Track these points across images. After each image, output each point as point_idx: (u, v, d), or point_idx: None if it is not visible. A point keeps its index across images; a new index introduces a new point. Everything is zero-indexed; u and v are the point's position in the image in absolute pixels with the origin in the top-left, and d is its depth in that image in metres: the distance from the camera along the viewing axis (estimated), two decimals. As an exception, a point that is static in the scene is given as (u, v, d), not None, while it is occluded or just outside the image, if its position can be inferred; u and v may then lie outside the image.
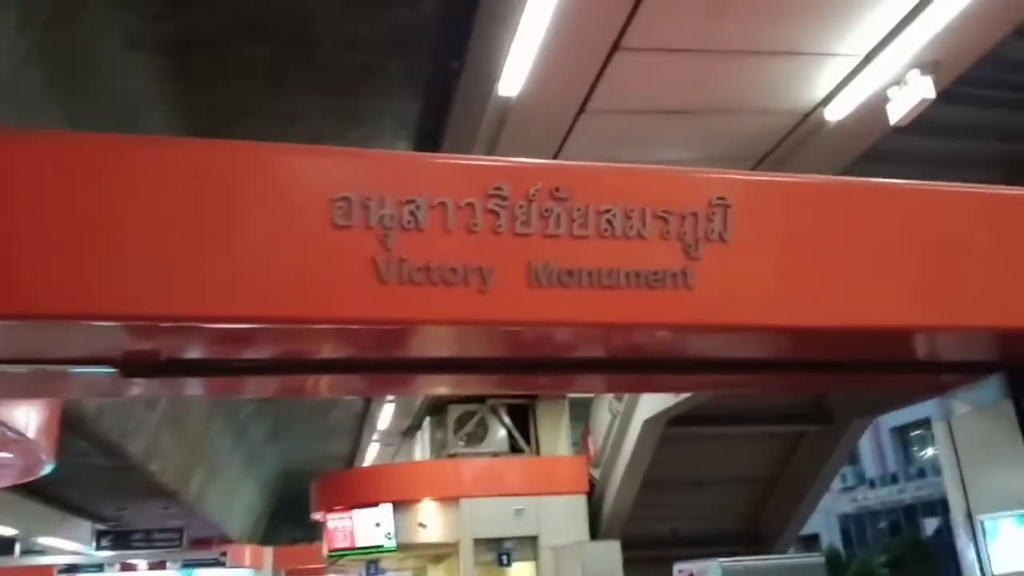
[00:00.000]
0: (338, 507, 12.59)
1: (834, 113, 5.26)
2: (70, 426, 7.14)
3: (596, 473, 12.33)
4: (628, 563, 10.75)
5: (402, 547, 12.00)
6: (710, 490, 12.46)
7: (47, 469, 5.25)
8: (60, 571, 19.03)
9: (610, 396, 11.57)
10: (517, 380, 3.70)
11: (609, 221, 2.89)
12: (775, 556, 6.64)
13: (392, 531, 11.84)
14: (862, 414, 11.61)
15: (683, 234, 2.96)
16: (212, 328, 2.72)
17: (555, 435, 13.43)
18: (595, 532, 11.96)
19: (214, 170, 2.65)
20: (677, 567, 7.12)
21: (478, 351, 3.24)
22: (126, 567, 20.50)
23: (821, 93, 5.23)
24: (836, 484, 25.48)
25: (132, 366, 2.99)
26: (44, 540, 14.16)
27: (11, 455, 4.65)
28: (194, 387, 3.47)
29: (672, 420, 10.44)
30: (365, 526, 12.11)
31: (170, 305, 2.58)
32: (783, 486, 12.79)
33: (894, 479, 30.13)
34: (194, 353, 3.06)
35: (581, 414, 13.67)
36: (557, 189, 2.87)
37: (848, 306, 3.12)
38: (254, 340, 2.91)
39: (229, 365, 3.15)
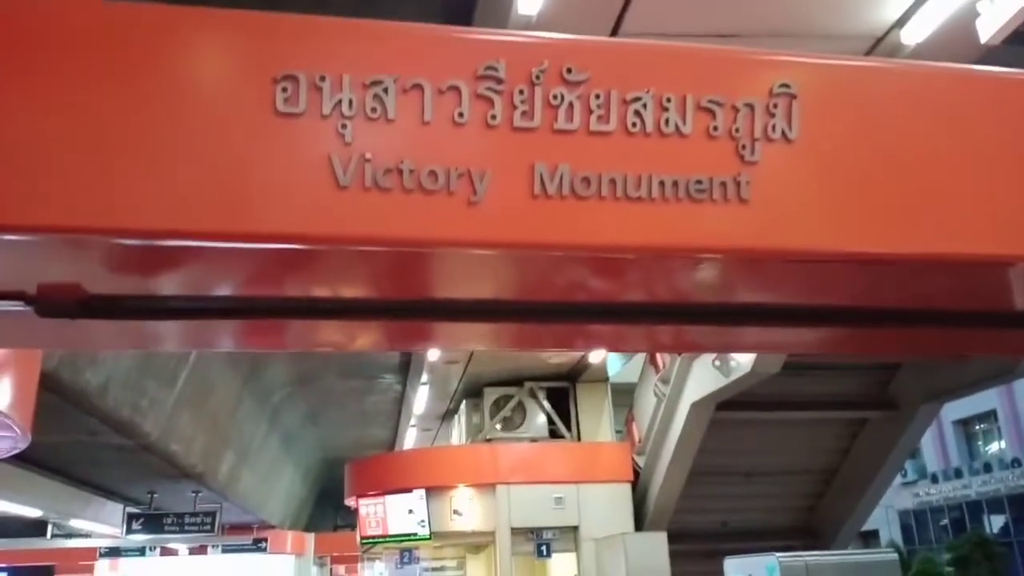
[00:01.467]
0: (371, 493, 12.14)
1: (912, 35, 4.50)
2: (73, 401, 6.75)
3: (641, 461, 11.63)
4: (675, 556, 10.07)
5: (436, 535, 11.48)
6: (763, 481, 11.67)
7: (21, 444, 4.78)
8: (102, 554, 19.13)
9: (655, 378, 10.87)
10: (513, 329, 3.03)
11: (638, 112, 2.23)
12: (839, 552, 5.86)
13: (426, 518, 11.33)
14: (929, 399, 10.69)
15: (735, 131, 2.28)
16: (128, 248, 2.13)
17: (597, 420, 12.77)
18: (640, 523, 11.27)
19: (125, 42, 2.05)
20: (728, 562, 6.40)
21: (465, 286, 2.59)
22: (166, 551, 20.52)
23: (895, 14, 4.49)
24: (896, 478, 24.37)
25: (48, 303, 2.42)
26: (75, 523, 14.06)
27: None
28: (127, 333, 2.89)
29: (722, 404, 9.71)
30: (397, 513, 11.63)
31: (72, 214, 2.00)
32: (842, 478, 11.92)
33: (957, 474, 28.78)
34: (121, 286, 2.48)
35: (624, 400, 12.99)
36: (569, 70, 2.21)
37: (949, 229, 2.41)
38: (184, 265, 2.32)
39: (164, 305, 2.57)
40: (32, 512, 12.41)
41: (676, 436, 10.28)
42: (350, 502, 12.91)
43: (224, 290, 2.68)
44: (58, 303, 2.48)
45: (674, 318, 3.00)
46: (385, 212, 2.10)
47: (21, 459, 10.26)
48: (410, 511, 11.48)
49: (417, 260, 2.34)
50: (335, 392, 15.20)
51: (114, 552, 18.89)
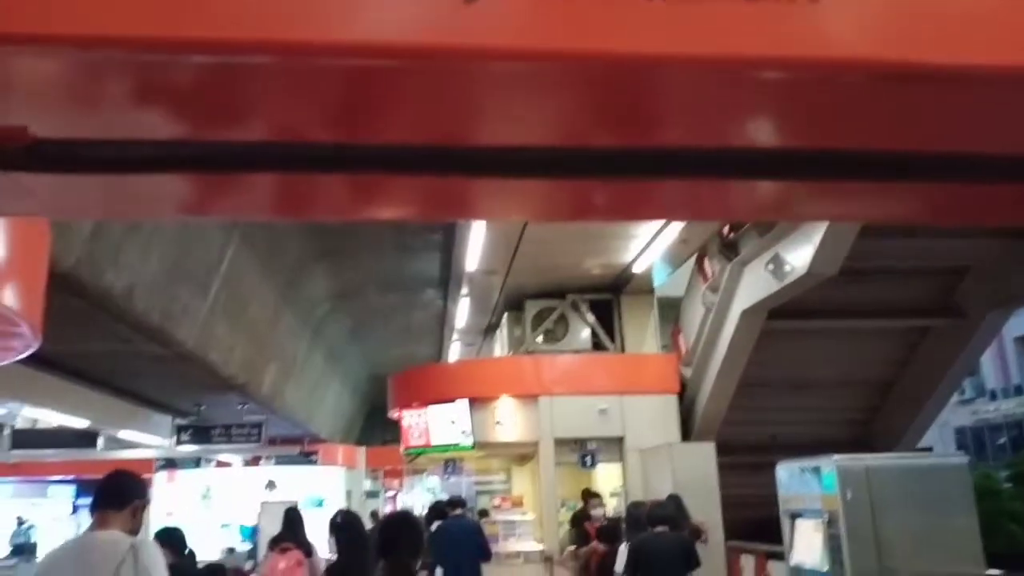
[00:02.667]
0: (414, 404, 12.08)
1: None
2: (98, 304, 6.60)
3: (687, 372, 11.29)
4: (723, 469, 9.81)
5: (479, 445, 11.40)
6: (816, 393, 11.23)
7: (31, 346, 4.58)
8: (159, 467, 19.71)
9: (703, 287, 10.41)
10: (564, 189, 2.57)
11: None
12: (903, 455, 5.45)
13: (468, 428, 11.23)
14: (996, 307, 10.03)
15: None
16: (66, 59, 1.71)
17: (641, 332, 12.41)
18: (686, 435, 11.03)
19: None
20: (781, 466, 6.06)
21: (508, 124, 2.12)
22: (221, 464, 21.08)
23: None
24: (953, 396, 23.71)
25: (-9, 152, 2.05)
26: (124, 434, 14.39)
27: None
28: (85, 192, 2.52)
29: (774, 312, 9.23)
30: (440, 423, 11.56)
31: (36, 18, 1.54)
32: (900, 390, 11.41)
33: (1018, 391, 27.92)
34: (76, 125, 2.09)
35: (669, 316, 12.58)
36: None
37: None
38: (143, 84, 1.89)
39: (126, 152, 2.18)
40: (80, 423, 12.66)
41: (725, 346, 9.88)
42: (393, 414, 12.89)
43: (223, 130, 2.26)
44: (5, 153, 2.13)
45: (705, 168, 2.52)
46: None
47: (64, 370, 10.38)
48: (452, 421, 11.40)
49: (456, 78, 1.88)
50: (377, 308, 15.08)
51: (170, 464, 19.42)
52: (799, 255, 7.78)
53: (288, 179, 2.52)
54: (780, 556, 6.76)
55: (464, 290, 12.19)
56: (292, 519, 7.66)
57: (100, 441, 12.89)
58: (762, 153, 2.46)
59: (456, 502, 8.27)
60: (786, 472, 6.01)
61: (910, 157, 2.53)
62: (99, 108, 2.03)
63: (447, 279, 12.79)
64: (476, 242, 9.31)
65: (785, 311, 9.14)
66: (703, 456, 9.87)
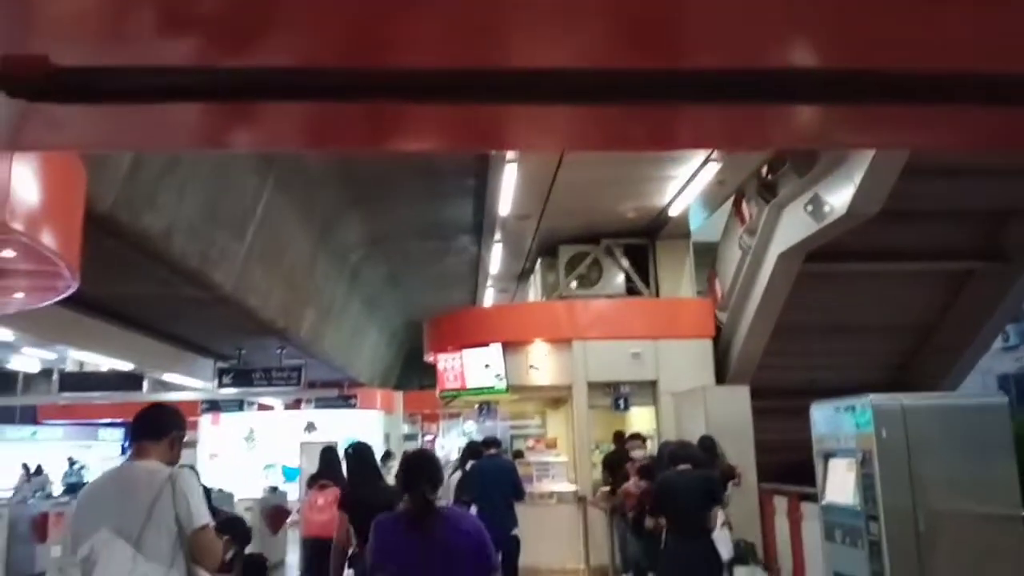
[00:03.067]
0: (449, 348, 12.19)
1: None
2: (136, 246, 6.71)
3: (723, 317, 11.21)
4: (758, 414, 9.76)
5: (513, 389, 11.50)
6: (854, 337, 11.09)
7: (70, 286, 4.68)
8: (204, 409, 20.26)
9: (741, 230, 10.25)
10: (597, 116, 2.48)
11: None
12: (940, 394, 5.35)
13: (502, 372, 11.33)
14: (1044, 250, 9.75)
15: None
16: None
17: (677, 277, 12.31)
18: (721, 379, 11.00)
19: None
20: (816, 406, 6.02)
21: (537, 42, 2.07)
22: (263, 407, 21.62)
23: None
24: (996, 342, 23.21)
25: (12, 80, 2.06)
26: (168, 376, 14.80)
27: (15, 255, 4.07)
28: (109, 122, 2.51)
29: (812, 254, 9.08)
30: (475, 367, 11.67)
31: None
32: (941, 335, 11.20)
33: (1065, 338, 27.23)
34: (97, 54, 2.08)
35: (705, 261, 12.44)
36: None
37: None
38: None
39: (149, 81, 2.16)
40: (125, 365, 13.03)
41: (761, 290, 9.77)
42: (429, 358, 13.04)
43: (245, 56, 2.22)
44: (22, 81, 2.13)
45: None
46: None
47: (108, 313, 10.65)
48: (487, 365, 11.49)
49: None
50: (412, 254, 15.15)
51: (214, 406, 19.96)
52: (839, 195, 7.60)
53: (311, 108, 2.50)
54: (813, 498, 6.76)
55: (497, 236, 12.16)
56: (329, 458, 7.85)
57: (145, 384, 13.27)
58: (801, 75, 2.37)
59: (491, 442, 8.38)
60: (821, 412, 5.97)
61: (956, 78, 2.42)
62: (120, 35, 2.02)
63: (480, 225, 12.76)
64: (508, 187, 9.23)
65: (823, 254, 8.98)
66: (737, 399, 9.83)
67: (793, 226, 8.73)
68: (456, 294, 18.50)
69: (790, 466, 8.57)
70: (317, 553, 6.64)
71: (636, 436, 8.69)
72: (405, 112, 2.53)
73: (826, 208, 7.82)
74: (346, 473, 5.87)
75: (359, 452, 5.70)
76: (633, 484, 7.91)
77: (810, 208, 8.01)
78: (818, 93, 2.57)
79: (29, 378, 19.29)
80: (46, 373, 16.70)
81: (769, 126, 3.00)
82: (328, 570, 5.38)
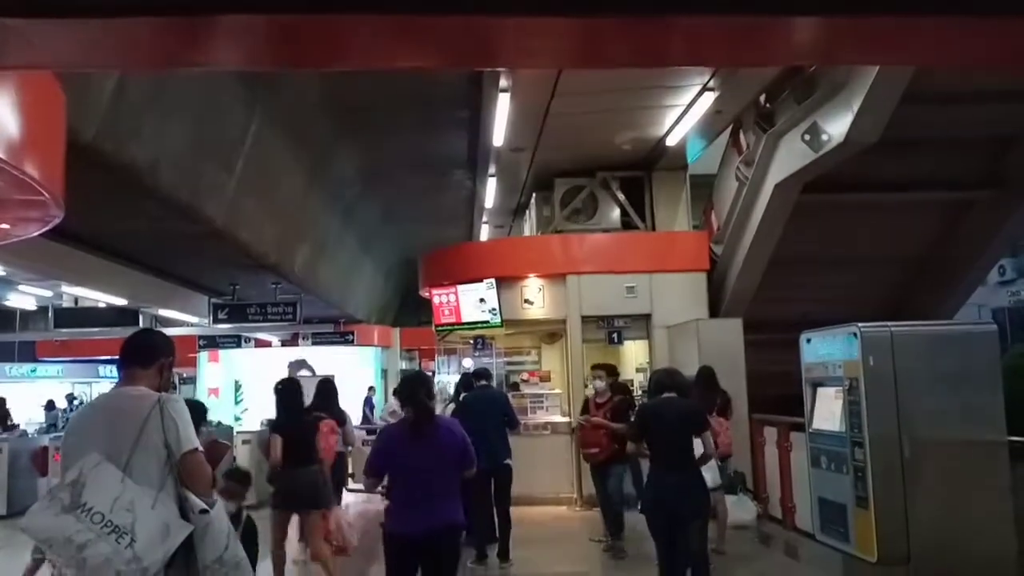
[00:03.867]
0: (443, 283, 12.18)
1: None
2: (123, 179, 6.62)
3: (718, 250, 11.18)
4: (751, 347, 9.83)
5: (508, 323, 11.54)
6: (849, 270, 11.10)
7: (55, 216, 4.62)
8: (201, 346, 20.38)
9: (738, 161, 10.14)
10: (582, 29, 2.42)
11: None
12: (929, 322, 5.34)
13: (496, 307, 11.34)
14: (1043, 179, 9.67)
15: None
16: None
17: (673, 210, 12.22)
18: (715, 313, 11.03)
19: None
20: (806, 336, 6.03)
21: None
22: (261, 343, 21.72)
23: None
24: (992, 276, 23.24)
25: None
26: (164, 312, 14.81)
27: (-3, 183, 4.01)
28: (82, 38, 2.44)
29: (809, 185, 9.01)
30: (469, 301, 11.68)
31: None
32: (936, 267, 11.21)
33: (1061, 272, 27.25)
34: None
35: (702, 195, 12.33)
36: None
37: None
38: None
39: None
40: (119, 300, 13.03)
41: (757, 221, 9.72)
42: (424, 293, 13.04)
43: None
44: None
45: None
46: None
47: (101, 248, 10.59)
48: (481, 300, 11.51)
49: None
50: (406, 190, 14.99)
51: (211, 342, 20.07)
52: (837, 123, 7.49)
53: (285, 22, 2.43)
54: (803, 428, 6.84)
55: (491, 169, 12.02)
56: (326, 391, 7.96)
57: (141, 320, 13.29)
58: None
59: (481, 374, 8.44)
60: (810, 340, 5.98)
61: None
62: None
63: (475, 158, 12.60)
64: (502, 118, 9.07)
65: (820, 184, 8.91)
66: (730, 332, 9.88)
67: (790, 156, 8.63)
68: (452, 231, 18.41)
69: (785, 399, 8.66)
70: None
71: (596, 366, 8.59)
72: (396, 25, 2.44)
73: (824, 137, 7.72)
74: (276, 405, 6.66)
75: (288, 387, 6.67)
76: (585, 419, 8.07)
77: (808, 137, 7.91)
78: (818, 4, 2.49)
79: (26, 315, 19.36)
80: (43, 311, 16.73)
81: (768, 40, 2.89)
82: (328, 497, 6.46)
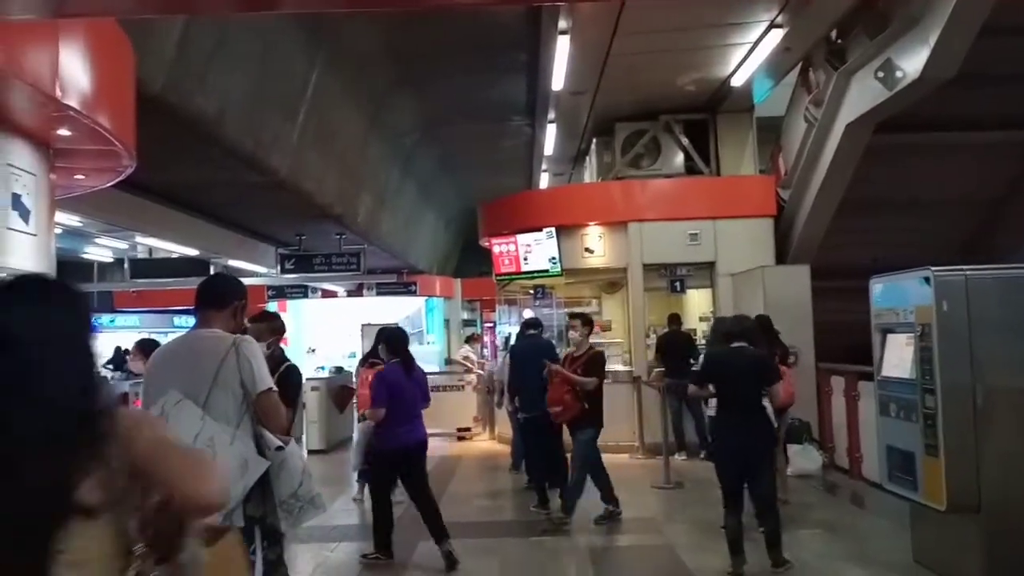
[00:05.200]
0: (503, 232, 12.18)
1: None
2: (188, 130, 6.75)
3: (785, 195, 10.89)
4: (819, 294, 9.61)
5: (568, 272, 11.51)
6: (922, 213, 10.71)
7: (128, 166, 4.74)
8: (270, 296, 20.90)
9: (807, 100, 9.79)
10: None
11: None
12: (1007, 266, 5.07)
13: (557, 255, 11.31)
14: None
15: None
16: None
17: (739, 154, 11.93)
18: (782, 259, 10.80)
19: None
20: (876, 280, 5.85)
21: None
22: (327, 294, 22.18)
23: None
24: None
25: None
26: (233, 263, 15.20)
27: (71, 134, 4.13)
28: None
29: (882, 125, 8.67)
30: (529, 250, 11.67)
31: None
32: (1012, 209, 10.73)
33: None
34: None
35: (769, 138, 11.95)
36: None
37: None
38: None
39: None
40: (190, 251, 13.42)
41: (827, 164, 9.42)
42: (484, 242, 13.07)
43: None
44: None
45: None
46: None
47: (172, 200, 10.90)
48: (541, 248, 11.48)
49: None
50: (465, 137, 14.94)
51: (279, 293, 20.56)
52: (912, 59, 7.15)
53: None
54: (871, 377, 6.68)
55: (551, 115, 11.86)
56: (383, 338, 8.11)
57: (212, 270, 13.65)
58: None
59: (530, 323, 8.42)
60: (881, 286, 5.79)
61: None
62: None
63: (534, 104, 12.45)
64: (561, 60, 8.88)
65: (894, 124, 8.57)
66: (797, 279, 9.66)
67: (863, 94, 8.29)
68: (511, 179, 18.33)
69: (852, 348, 8.47)
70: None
71: (573, 316, 7.78)
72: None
73: (898, 73, 7.38)
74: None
75: (148, 343, 7.04)
76: (548, 370, 7.00)
77: (881, 74, 7.57)
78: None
79: (103, 267, 20.13)
80: (119, 263, 17.36)
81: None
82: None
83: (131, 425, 1.39)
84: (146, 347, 6.49)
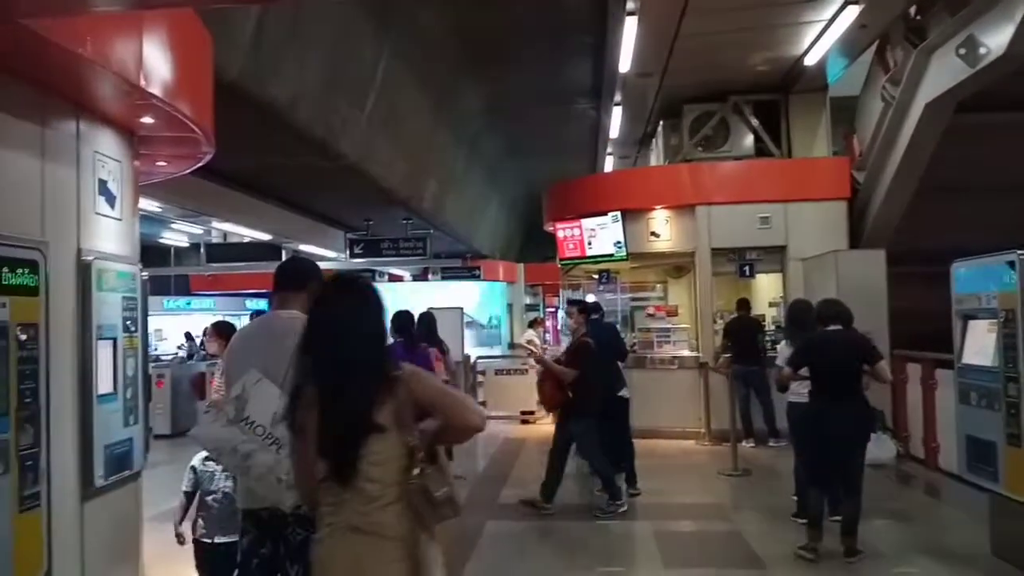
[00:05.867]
0: (568, 216, 12.15)
1: None
2: (263, 116, 6.92)
3: (860, 177, 10.56)
4: (894, 280, 9.31)
5: (633, 256, 11.42)
6: (1005, 196, 10.19)
7: (207, 152, 4.88)
8: (336, 279, 21.30)
9: (884, 79, 9.46)
10: None
11: None
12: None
13: (622, 240, 11.23)
14: None
15: None
16: None
17: (811, 135, 11.63)
18: (856, 243, 10.50)
19: None
20: (958, 264, 5.66)
21: None
22: (394, 278, 22.53)
23: None
24: None
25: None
26: (304, 247, 15.55)
27: (154, 122, 4.28)
28: None
29: (963, 104, 8.31)
30: (594, 235, 11.61)
31: None
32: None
33: None
34: None
35: (843, 118, 11.60)
36: None
37: None
38: None
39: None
40: (262, 236, 13.80)
41: (905, 145, 9.10)
42: (548, 227, 13.06)
43: None
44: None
45: None
46: None
47: (246, 186, 11.20)
48: (606, 232, 11.41)
49: None
50: (530, 122, 14.94)
51: (347, 277, 20.96)
52: (997, 35, 6.83)
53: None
54: (950, 365, 6.47)
55: (617, 97, 11.75)
56: (428, 322, 8.23)
57: (283, 255, 14.00)
58: None
59: (592, 308, 8.39)
60: (962, 270, 5.59)
61: None
62: None
63: (599, 87, 12.35)
64: (628, 41, 8.79)
65: (975, 103, 8.21)
66: (872, 264, 9.39)
67: (943, 72, 7.97)
68: (575, 163, 18.27)
69: (928, 336, 8.20)
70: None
71: (572, 302, 7.84)
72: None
73: (982, 50, 7.06)
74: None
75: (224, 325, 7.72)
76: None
77: (963, 51, 7.25)
78: None
79: (180, 252, 20.85)
80: (195, 247, 17.94)
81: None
82: None
83: (411, 374, 2.20)
84: (221, 329, 6.83)
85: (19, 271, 3.23)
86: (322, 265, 13.82)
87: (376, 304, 2.27)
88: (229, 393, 3.21)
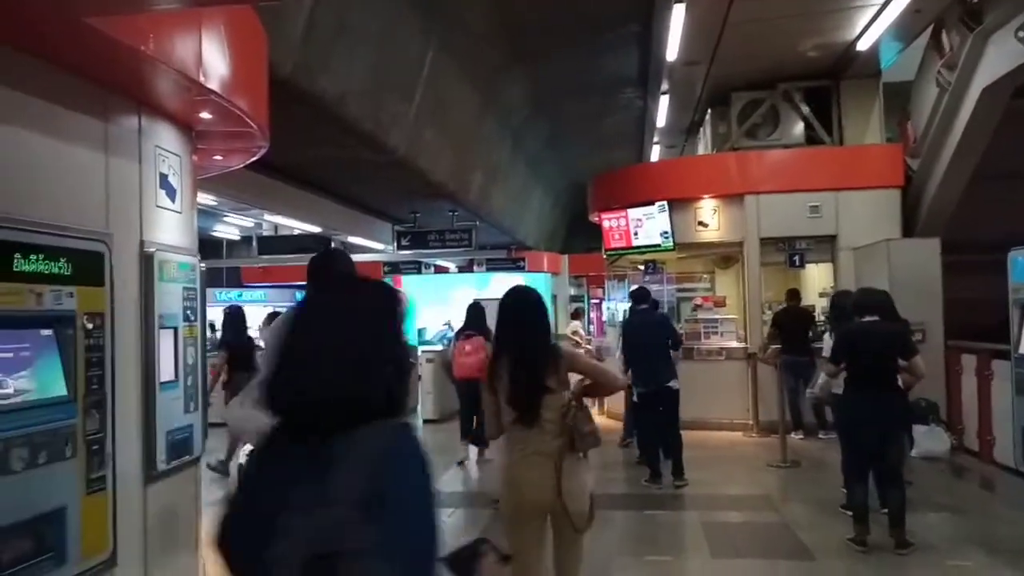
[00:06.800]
0: (613, 206, 12.11)
1: None
2: (314, 111, 7.05)
3: (914, 164, 10.33)
4: (948, 269, 9.10)
5: (680, 246, 11.34)
6: (1065, 184, 9.90)
7: (262, 147, 4.99)
8: (386, 272, 21.56)
9: (939, 64, 9.23)
10: None
11: None
12: None
13: (669, 230, 11.16)
14: None
15: None
16: None
17: (863, 122, 11.40)
18: (909, 232, 10.29)
19: None
20: (1014, 252, 5.53)
21: None
22: (439, 269, 22.66)
23: None
24: None
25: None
26: (352, 239, 15.76)
27: (212, 117, 4.39)
28: None
29: (1021, 89, 8.08)
30: (640, 225, 11.56)
31: None
32: None
33: None
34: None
35: (897, 104, 11.34)
36: None
37: None
38: None
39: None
40: (312, 228, 14.02)
41: (960, 131, 8.89)
42: (593, 217, 13.03)
43: None
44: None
45: None
46: None
47: (296, 179, 11.40)
48: (653, 222, 11.35)
49: None
50: (575, 113, 14.90)
51: (395, 268, 21.17)
52: (1061, 17, 6.63)
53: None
54: (1006, 356, 6.32)
55: (664, 86, 11.66)
56: (475, 312, 8.39)
57: (332, 246, 14.22)
58: None
59: (640, 297, 8.36)
60: (1020, 258, 5.47)
61: None
62: None
63: (645, 76, 12.27)
64: (676, 29, 8.73)
65: (1038, 86, 7.96)
66: (925, 253, 9.20)
67: (1000, 56, 7.76)
68: (621, 153, 18.17)
69: (983, 327, 8.01)
70: (468, 390, 8.11)
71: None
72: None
73: (1043, 33, 6.87)
74: (222, 328, 8.34)
75: (234, 312, 8.26)
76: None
77: (1022, 34, 7.05)
78: None
79: (232, 244, 21.28)
80: (246, 240, 18.30)
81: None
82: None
83: (571, 355, 3.45)
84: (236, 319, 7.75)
85: (86, 262, 3.37)
86: (370, 257, 14.00)
87: (544, 304, 3.51)
88: (258, 378, 3.33)
